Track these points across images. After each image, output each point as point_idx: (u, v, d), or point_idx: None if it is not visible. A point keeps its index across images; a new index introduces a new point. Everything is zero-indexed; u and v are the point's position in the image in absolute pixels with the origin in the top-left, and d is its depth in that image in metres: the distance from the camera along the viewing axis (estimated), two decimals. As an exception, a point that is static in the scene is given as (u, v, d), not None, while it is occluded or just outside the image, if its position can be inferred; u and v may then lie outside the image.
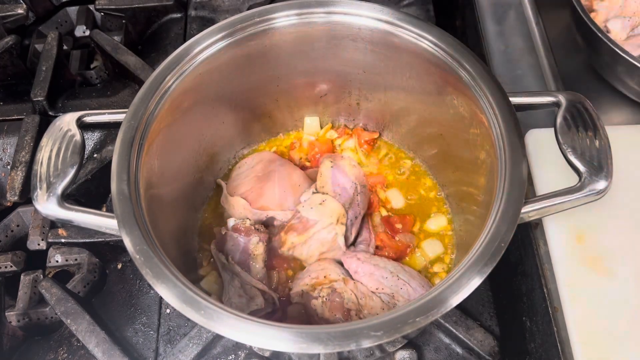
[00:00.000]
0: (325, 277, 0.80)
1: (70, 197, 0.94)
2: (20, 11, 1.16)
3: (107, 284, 0.91)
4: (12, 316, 0.86)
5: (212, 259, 0.88)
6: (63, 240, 0.90)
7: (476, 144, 0.79)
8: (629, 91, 0.93)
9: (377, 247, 0.88)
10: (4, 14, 1.16)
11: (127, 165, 0.71)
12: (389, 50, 0.85)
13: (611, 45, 0.84)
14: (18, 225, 0.95)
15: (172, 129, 0.81)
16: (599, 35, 0.86)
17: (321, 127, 1.04)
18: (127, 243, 0.65)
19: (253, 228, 0.86)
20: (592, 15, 0.94)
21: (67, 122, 0.77)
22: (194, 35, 0.82)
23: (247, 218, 0.89)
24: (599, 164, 0.68)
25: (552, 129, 0.73)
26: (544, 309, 0.76)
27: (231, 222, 0.88)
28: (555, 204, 0.68)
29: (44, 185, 0.71)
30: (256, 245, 0.85)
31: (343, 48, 0.88)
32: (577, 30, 0.94)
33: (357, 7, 0.83)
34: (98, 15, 1.24)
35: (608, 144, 0.70)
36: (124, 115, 0.75)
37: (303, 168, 0.98)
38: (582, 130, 0.71)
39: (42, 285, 0.85)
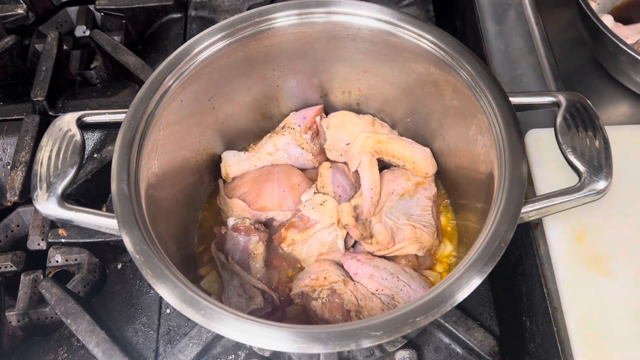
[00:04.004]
0: (325, 278, 0.80)
1: (70, 197, 0.94)
2: (20, 11, 1.16)
3: (107, 284, 0.91)
4: (12, 316, 0.86)
5: (212, 259, 0.88)
6: (63, 240, 0.90)
7: (476, 144, 0.79)
8: (632, 84, 0.93)
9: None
10: (4, 14, 1.16)
11: (127, 165, 0.71)
12: (389, 50, 0.85)
13: (613, 38, 0.85)
14: (18, 225, 0.95)
15: (172, 129, 0.81)
16: (601, 27, 0.86)
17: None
18: (127, 243, 0.65)
19: (253, 227, 0.86)
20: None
21: (67, 122, 0.77)
22: (194, 35, 0.82)
23: (247, 218, 0.89)
24: (599, 164, 0.68)
25: (552, 129, 0.73)
26: (544, 309, 0.76)
27: (231, 221, 0.88)
28: (555, 204, 0.68)
29: (44, 185, 0.71)
30: (256, 245, 0.85)
31: (343, 48, 0.88)
32: (582, 22, 0.94)
33: (357, 7, 0.83)
34: (98, 15, 1.24)
35: (608, 144, 0.70)
36: (124, 115, 0.75)
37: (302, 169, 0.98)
38: (582, 130, 0.71)
39: (42, 285, 0.85)
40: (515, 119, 0.71)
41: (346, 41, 0.87)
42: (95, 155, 1.00)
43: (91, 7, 1.23)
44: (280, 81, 0.95)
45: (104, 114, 0.80)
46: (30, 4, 1.21)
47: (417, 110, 0.92)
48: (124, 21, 1.20)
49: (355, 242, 0.88)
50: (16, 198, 0.93)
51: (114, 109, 1.05)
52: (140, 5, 1.21)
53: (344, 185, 0.91)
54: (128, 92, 1.11)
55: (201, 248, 0.91)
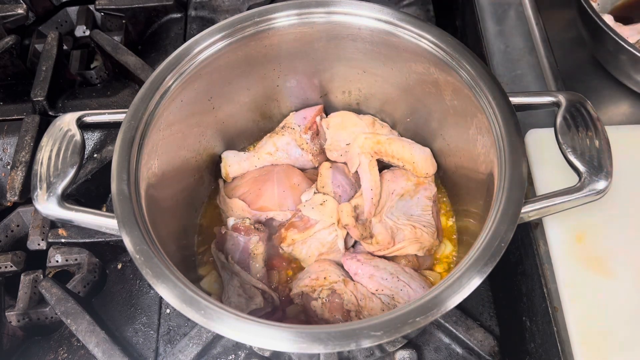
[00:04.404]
0: (325, 278, 0.80)
1: (70, 197, 0.94)
2: (20, 11, 1.16)
3: (107, 284, 0.91)
4: (12, 316, 0.86)
5: (212, 259, 0.88)
6: (63, 240, 0.90)
7: (476, 144, 0.79)
8: (633, 83, 0.93)
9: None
10: (4, 14, 1.16)
11: (127, 165, 0.71)
12: (389, 50, 0.85)
13: (614, 36, 0.85)
14: (18, 225, 0.95)
15: (172, 129, 0.81)
16: (602, 26, 0.86)
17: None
18: (127, 243, 0.65)
19: (253, 227, 0.86)
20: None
21: (67, 122, 0.77)
22: (194, 35, 0.82)
23: (247, 218, 0.89)
24: (598, 164, 0.68)
25: (552, 129, 0.73)
26: (544, 309, 0.76)
27: (231, 221, 0.88)
28: (555, 204, 0.68)
29: (44, 185, 0.71)
30: (256, 245, 0.85)
31: (343, 48, 0.88)
32: (582, 21, 0.94)
33: (357, 7, 0.83)
34: (98, 15, 1.24)
35: (608, 144, 0.70)
36: (124, 115, 0.75)
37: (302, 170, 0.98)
38: (582, 130, 0.71)
39: (42, 285, 0.85)
40: (515, 119, 0.71)
41: (346, 41, 0.87)
42: (95, 155, 1.00)
43: (91, 7, 1.23)
44: (280, 81, 0.94)
45: (104, 114, 0.80)
46: (30, 4, 1.21)
47: (417, 110, 0.92)
48: (124, 21, 1.20)
49: (356, 242, 0.88)
50: (16, 198, 0.93)
51: (114, 109, 1.05)
52: (140, 5, 1.21)
53: (344, 185, 0.91)
54: (128, 92, 1.11)
55: (201, 248, 0.91)
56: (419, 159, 0.91)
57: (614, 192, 0.70)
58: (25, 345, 0.87)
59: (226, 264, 0.84)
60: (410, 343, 0.80)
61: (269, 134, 0.99)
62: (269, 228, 0.90)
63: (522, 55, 1.03)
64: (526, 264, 0.84)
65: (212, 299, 0.61)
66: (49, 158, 0.74)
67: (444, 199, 0.94)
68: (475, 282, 0.60)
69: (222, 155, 0.96)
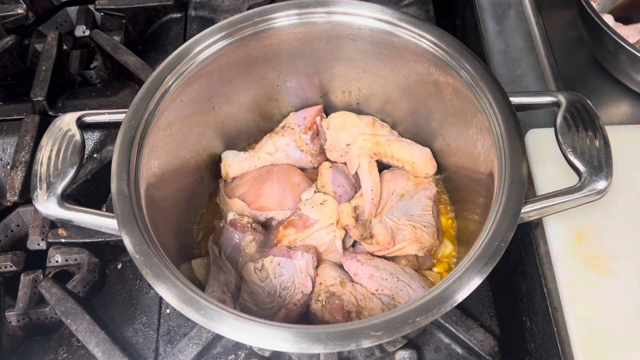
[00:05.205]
0: (320, 284, 0.80)
1: (70, 197, 0.94)
2: (20, 11, 1.16)
3: (107, 284, 0.91)
4: (12, 316, 0.86)
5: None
6: (63, 240, 0.90)
7: (476, 144, 0.79)
8: (633, 83, 0.93)
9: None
10: (4, 14, 1.16)
11: (127, 165, 0.71)
12: (389, 50, 0.85)
13: (614, 36, 0.85)
14: (18, 225, 0.95)
15: (172, 129, 0.81)
16: (602, 26, 0.86)
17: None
18: (127, 243, 0.65)
19: (250, 226, 0.86)
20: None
21: (67, 122, 0.77)
22: (194, 35, 0.82)
23: (246, 215, 0.88)
24: (599, 164, 0.68)
25: (552, 129, 0.73)
26: (544, 309, 0.76)
27: (230, 215, 0.88)
28: (555, 204, 0.68)
29: (44, 185, 0.71)
30: (249, 244, 0.84)
31: (343, 48, 0.88)
32: (582, 21, 0.94)
33: (357, 7, 0.83)
34: (98, 15, 1.24)
35: (608, 144, 0.70)
36: (124, 115, 0.75)
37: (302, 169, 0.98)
38: (582, 130, 0.71)
39: (42, 285, 0.85)
40: (516, 119, 0.71)
41: (346, 41, 0.87)
42: (95, 155, 1.00)
43: (91, 7, 1.23)
44: (280, 81, 0.94)
45: (104, 114, 0.80)
46: (30, 3, 1.21)
47: (417, 110, 0.92)
48: (123, 21, 1.20)
49: (355, 242, 0.88)
50: (16, 198, 0.93)
51: (114, 109, 1.05)
52: (140, 5, 1.21)
53: (344, 185, 0.91)
54: (128, 92, 1.11)
55: (201, 248, 0.91)
56: (418, 160, 0.91)
57: (614, 192, 0.70)
58: (25, 345, 0.87)
59: (218, 258, 0.83)
60: (411, 343, 0.80)
61: (268, 134, 0.99)
62: (268, 228, 0.90)
63: (522, 55, 1.03)
64: (526, 264, 0.84)
65: (209, 296, 0.61)
66: (49, 158, 0.74)
67: (444, 199, 0.94)
68: (476, 282, 0.60)
69: (222, 155, 0.96)
